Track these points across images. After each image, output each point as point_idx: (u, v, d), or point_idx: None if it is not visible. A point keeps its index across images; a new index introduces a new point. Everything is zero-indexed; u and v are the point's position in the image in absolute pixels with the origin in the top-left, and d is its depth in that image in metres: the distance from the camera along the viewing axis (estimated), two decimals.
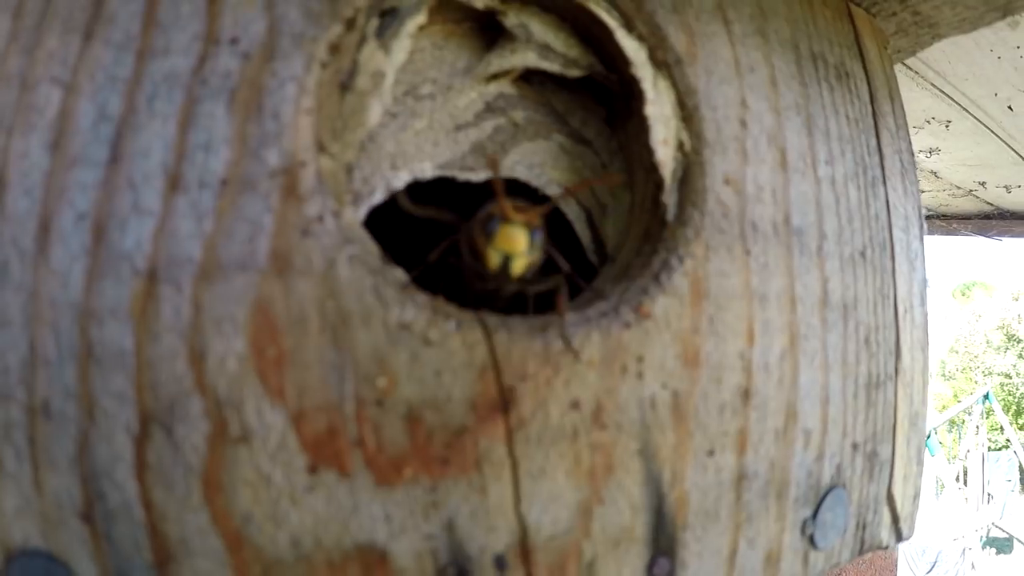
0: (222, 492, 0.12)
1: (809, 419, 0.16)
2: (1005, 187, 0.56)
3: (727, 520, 0.15)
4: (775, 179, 0.17)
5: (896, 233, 0.19)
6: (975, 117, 0.37)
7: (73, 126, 0.13)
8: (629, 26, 0.16)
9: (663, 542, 0.14)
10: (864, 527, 0.18)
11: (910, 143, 0.21)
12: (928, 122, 0.39)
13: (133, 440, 0.12)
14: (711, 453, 0.15)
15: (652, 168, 0.16)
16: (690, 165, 0.16)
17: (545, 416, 0.13)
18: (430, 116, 0.16)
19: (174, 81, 0.13)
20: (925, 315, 0.20)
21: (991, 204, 0.57)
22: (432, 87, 0.16)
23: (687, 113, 0.16)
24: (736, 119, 0.17)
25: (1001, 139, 0.44)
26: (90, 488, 0.12)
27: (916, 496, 0.19)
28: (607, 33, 0.16)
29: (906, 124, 0.21)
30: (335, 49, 0.14)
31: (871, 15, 0.22)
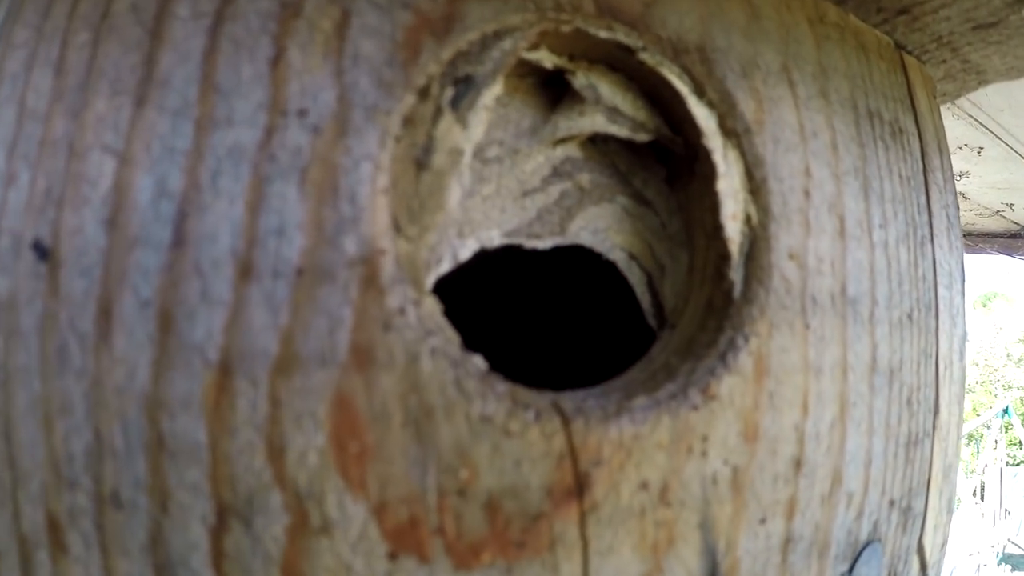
0: None
1: (853, 482, 0.16)
2: None
3: None
4: (834, 249, 0.16)
5: (941, 291, 0.19)
6: (1007, 144, 0.36)
7: (131, 202, 0.11)
8: (700, 92, 0.15)
9: None
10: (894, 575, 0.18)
11: (955, 195, 0.20)
12: (960, 148, 0.38)
13: (209, 531, 0.11)
14: (763, 521, 0.14)
15: (714, 234, 0.15)
16: (756, 240, 0.15)
17: (616, 498, 0.12)
18: (497, 181, 0.15)
19: (240, 156, 0.11)
20: (963, 369, 0.20)
21: (1018, 224, 0.56)
22: (499, 149, 0.15)
23: (755, 185, 0.15)
24: (801, 189, 0.16)
25: None
26: (164, 575, 0.11)
27: (944, 544, 0.19)
28: (677, 98, 0.15)
29: (952, 175, 0.20)
30: (409, 122, 0.12)
31: (921, 62, 0.20)
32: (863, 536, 0.17)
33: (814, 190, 0.16)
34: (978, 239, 0.59)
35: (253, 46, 0.12)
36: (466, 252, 0.14)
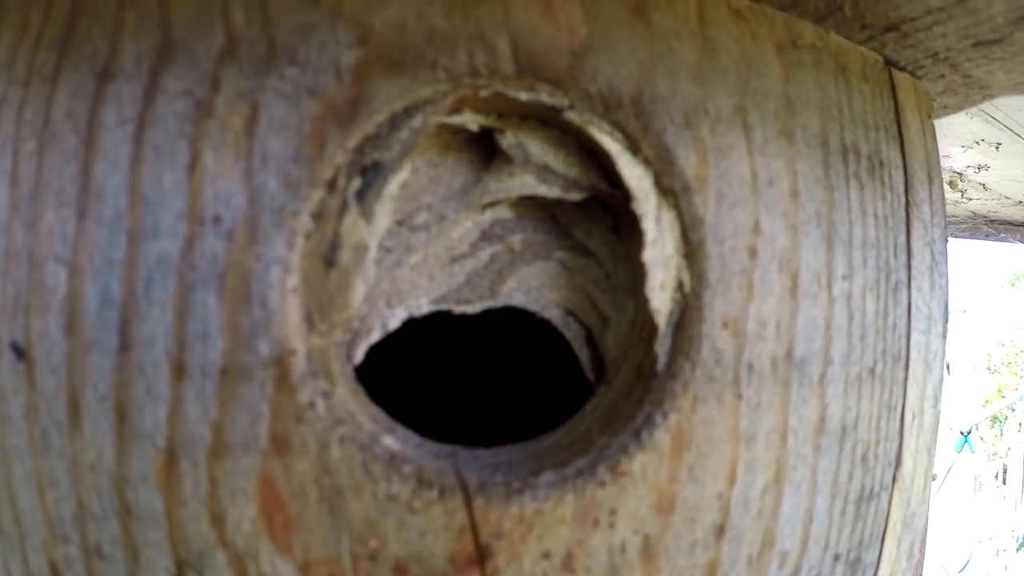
0: None
1: (788, 542, 0.17)
2: None
3: None
4: (781, 310, 0.16)
5: (915, 337, 0.18)
6: None
7: (83, 309, 0.13)
8: (634, 149, 0.15)
9: None
10: None
11: (944, 228, 0.18)
12: (978, 143, 0.34)
13: None
14: None
15: (643, 304, 0.15)
16: (687, 308, 0.15)
17: (518, 566, 0.14)
18: (425, 249, 0.16)
19: (166, 266, 0.13)
20: (937, 415, 0.19)
21: None
22: (427, 215, 0.16)
23: (690, 249, 0.15)
24: (745, 248, 0.15)
25: None
26: None
27: None
28: (605, 156, 0.15)
29: (943, 206, 0.18)
30: (318, 217, 0.13)
31: (916, 78, 0.18)
32: None
33: (762, 248, 0.15)
34: (1000, 227, 0.52)
35: (172, 152, 0.13)
36: (395, 322, 0.16)
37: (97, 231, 0.13)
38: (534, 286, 0.16)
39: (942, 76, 0.17)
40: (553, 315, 0.16)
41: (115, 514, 0.13)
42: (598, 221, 0.16)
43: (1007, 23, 0.14)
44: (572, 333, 0.16)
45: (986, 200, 0.49)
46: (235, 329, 0.12)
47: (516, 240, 0.16)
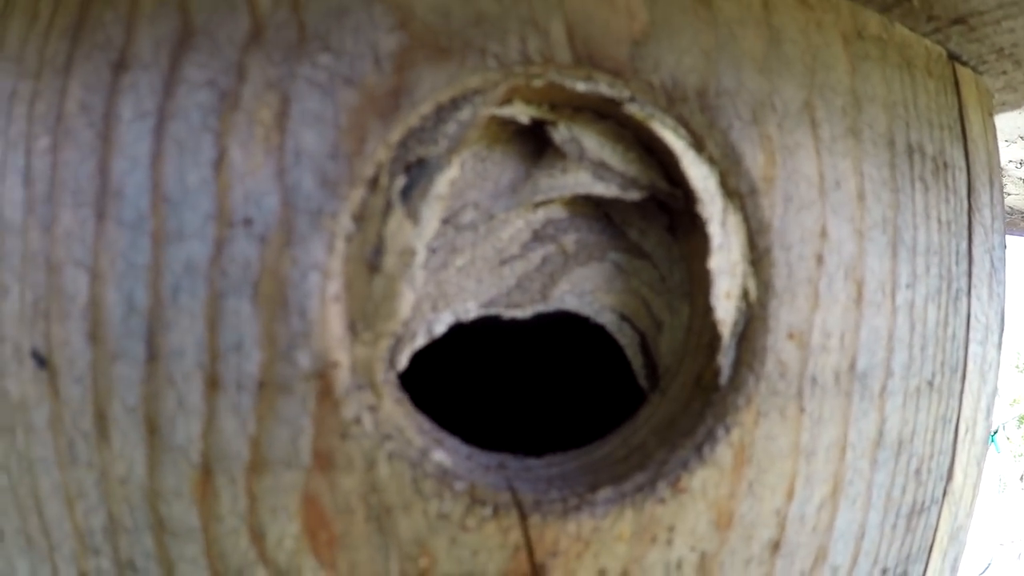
0: None
1: (839, 557, 0.17)
2: None
3: None
4: (846, 321, 0.15)
5: (972, 348, 0.18)
6: None
7: (106, 317, 0.13)
8: (699, 147, 0.14)
9: None
10: None
11: (1004, 233, 0.18)
12: (1020, 138, 0.33)
13: None
14: None
15: (706, 313, 0.15)
16: (753, 319, 0.15)
17: None
18: (472, 250, 0.15)
19: (195, 272, 0.12)
20: (988, 427, 0.19)
21: None
22: (474, 213, 0.15)
23: (757, 256, 0.14)
24: (812, 256, 0.15)
25: None
26: None
27: None
28: (671, 154, 0.14)
29: (1003, 210, 0.18)
30: (360, 218, 0.13)
31: (977, 73, 0.18)
32: None
33: (829, 255, 0.15)
34: None
35: (196, 147, 0.13)
36: (441, 327, 0.15)
37: (118, 233, 0.12)
38: (587, 289, 0.16)
39: (1004, 72, 0.17)
40: (607, 320, 0.16)
41: (148, 528, 0.13)
42: (654, 221, 0.16)
43: None
44: (626, 339, 0.16)
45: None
46: (272, 340, 0.12)
47: (569, 241, 0.15)
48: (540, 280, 0.15)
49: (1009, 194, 0.50)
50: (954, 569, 0.18)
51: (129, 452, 0.12)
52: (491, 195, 0.14)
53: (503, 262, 0.14)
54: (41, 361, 0.12)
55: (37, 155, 0.12)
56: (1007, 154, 0.39)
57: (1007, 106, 0.19)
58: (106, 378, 0.12)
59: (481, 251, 0.14)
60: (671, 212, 0.15)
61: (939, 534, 0.17)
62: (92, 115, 0.12)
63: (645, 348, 0.16)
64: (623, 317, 0.15)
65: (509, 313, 0.15)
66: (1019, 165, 0.39)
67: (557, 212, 0.15)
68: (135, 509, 0.12)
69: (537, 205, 0.14)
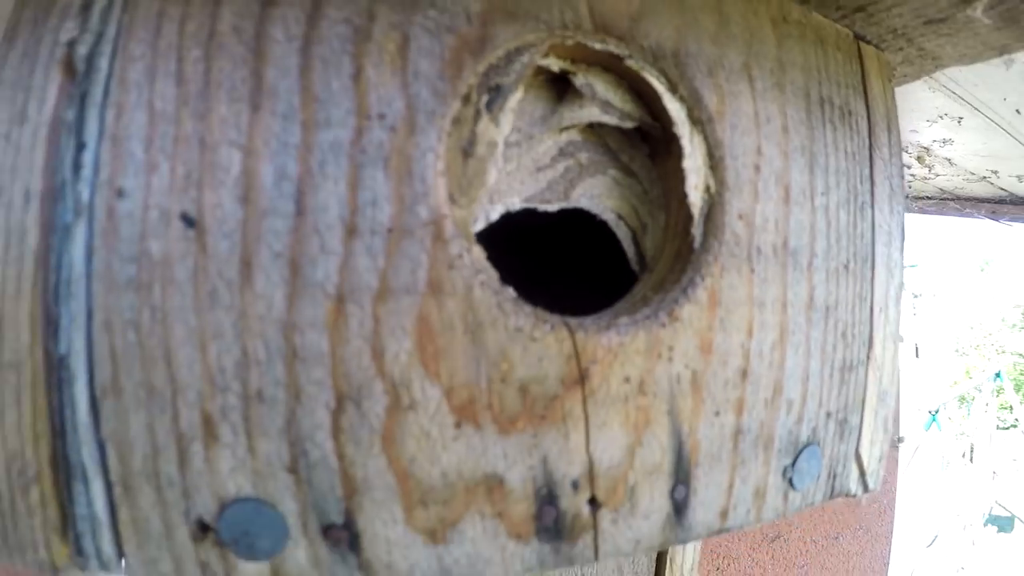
0: (395, 444, 0.19)
1: (792, 392, 0.25)
2: (1017, 177, 0.63)
3: (726, 462, 0.24)
4: (778, 212, 0.24)
5: (878, 248, 0.27)
6: (986, 116, 0.44)
7: (258, 183, 0.19)
8: (673, 90, 0.23)
9: (682, 475, 0.23)
10: (835, 477, 0.27)
11: (901, 167, 0.29)
12: (941, 117, 0.46)
13: (331, 413, 0.19)
14: (717, 414, 0.23)
15: (681, 200, 0.23)
16: (713, 204, 0.23)
17: (607, 387, 0.21)
18: (518, 160, 0.23)
19: (339, 150, 0.19)
20: (899, 313, 0.29)
21: (1005, 190, 0.64)
22: (518, 136, 0.23)
23: (714, 163, 0.23)
24: (752, 165, 0.24)
25: (1012, 135, 0.50)
26: (296, 449, 0.19)
27: (882, 457, 0.28)
28: (655, 94, 0.23)
29: (899, 150, 0.29)
30: (456, 121, 0.20)
31: (880, 50, 0.29)
32: (803, 438, 0.26)
33: (764, 165, 0.24)
34: (967, 203, 0.67)
35: (338, 64, 0.19)
36: (495, 214, 0.22)
37: (272, 121, 0.19)
38: (595, 194, 0.23)
39: (900, 49, 0.28)
40: (609, 218, 0.24)
41: (280, 357, 0.18)
42: (639, 149, 0.25)
43: (949, 5, 0.25)
44: (622, 233, 0.24)
45: (952, 176, 0.63)
46: (400, 198, 0.19)
47: (583, 157, 0.23)
48: (563, 184, 0.23)
49: (937, 175, 0.63)
50: (886, 429, 0.27)
51: (270, 292, 0.18)
52: (529, 122, 0.22)
53: (538, 170, 0.22)
54: (190, 222, 0.18)
55: (189, 63, 0.19)
56: (931, 133, 0.51)
57: (908, 77, 0.31)
58: (255, 231, 0.18)
59: (523, 161, 0.22)
60: (651, 143, 0.24)
61: (868, 392, 0.26)
62: (243, 35, 0.19)
63: (636, 242, 0.24)
64: (619, 217, 0.24)
65: (543, 207, 0.22)
66: (943, 144, 0.52)
67: (575, 136, 0.23)
68: (270, 342, 0.18)
69: (562, 130, 0.22)
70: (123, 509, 0.19)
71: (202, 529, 0.20)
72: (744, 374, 0.24)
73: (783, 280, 0.25)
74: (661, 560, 0.38)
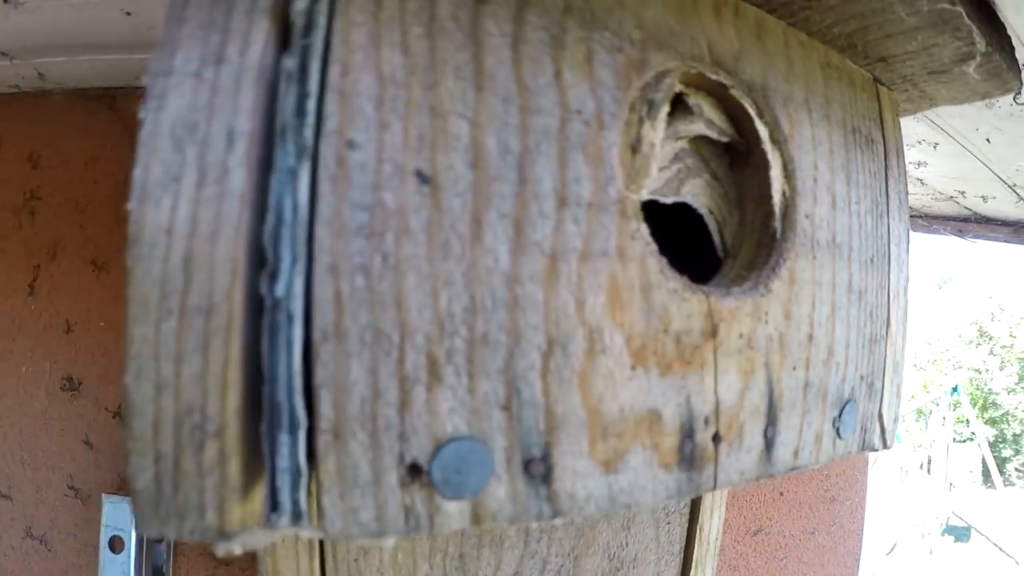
0: (588, 383, 0.24)
1: (839, 356, 0.33)
2: (982, 197, 0.77)
3: (799, 409, 0.31)
4: (829, 214, 0.32)
5: (892, 247, 0.37)
6: (960, 143, 0.57)
7: (486, 153, 0.23)
8: (760, 115, 0.31)
9: (771, 417, 0.29)
10: (864, 431, 0.35)
11: (906, 184, 0.39)
12: (919, 143, 0.59)
13: (542, 355, 0.23)
14: (794, 368, 0.30)
15: (763, 203, 0.31)
16: (788, 206, 0.31)
17: (729, 341, 0.27)
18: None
19: (549, 135, 0.24)
20: (907, 300, 0.38)
21: (969, 209, 0.80)
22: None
23: (788, 173, 0.31)
24: (811, 177, 0.32)
25: (980, 160, 0.64)
26: (511, 388, 0.23)
27: (896, 419, 0.37)
28: (747, 117, 0.30)
29: (905, 172, 0.39)
30: (627, 124, 0.26)
31: (890, 90, 0.39)
32: (846, 394, 0.34)
33: (819, 178, 0.32)
34: (933, 221, 0.83)
35: (541, 63, 0.25)
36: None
37: (494, 101, 0.24)
38: (695, 192, 0.30)
39: (906, 90, 0.38)
40: (703, 212, 0.31)
41: (504, 305, 0.23)
42: (722, 160, 0.32)
43: (950, 62, 0.35)
44: (712, 225, 0.31)
45: (922, 195, 0.76)
46: (596, 179, 0.24)
47: (689, 162, 0.30)
48: (676, 183, 0.29)
49: (909, 194, 0.75)
50: (898, 395, 0.36)
51: (497, 247, 0.23)
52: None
53: (660, 170, 0.28)
54: (424, 179, 0.22)
55: (413, 38, 0.24)
56: (909, 156, 0.63)
57: (907, 112, 0.42)
58: (484, 194, 0.23)
59: (655, 166, 0.28)
60: (732, 156, 0.31)
61: (887, 362, 0.34)
62: (461, 23, 0.24)
63: (720, 233, 0.31)
64: (710, 212, 0.30)
65: (662, 200, 0.28)
66: (917, 166, 0.64)
67: (684, 145, 0.30)
68: (495, 292, 0.23)
69: (676, 139, 0.29)
70: (328, 458, 0.20)
71: (412, 472, 0.21)
72: (810, 338, 0.31)
73: (833, 267, 0.33)
74: (692, 529, 0.44)
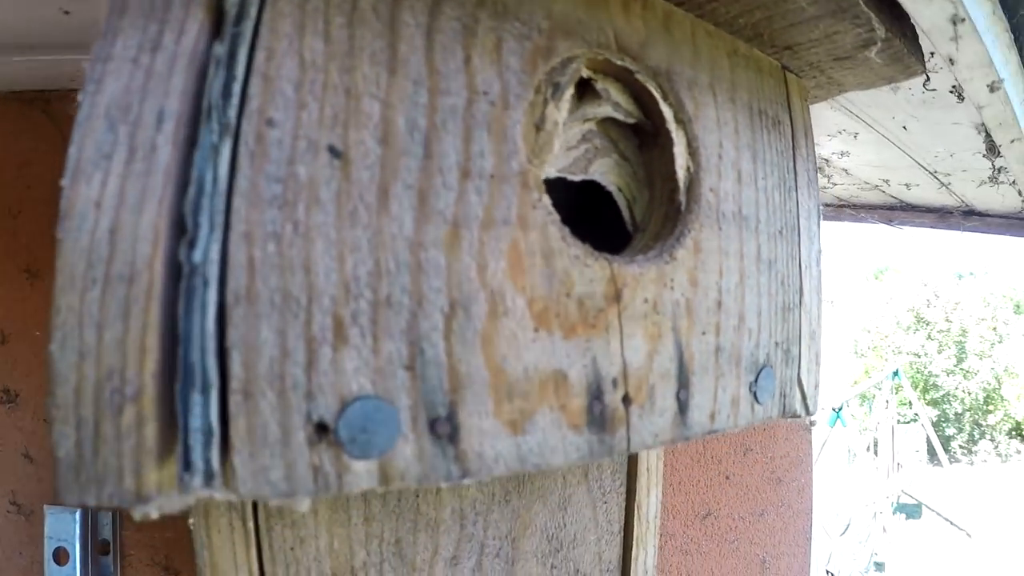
0: (491, 344, 0.26)
1: (751, 323, 0.36)
2: (906, 185, 0.81)
3: (712, 373, 0.33)
4: (734, 188, 0.35)
5: (801, 221, 0.40)
6: (878, 132, 0.61)
7: (395, 130, 0.25)
8: (665, 97, 0.33)
9: (683, 380, 0.32)
10: (784, 396, 0.38)
11: (815, 163, 0.42)
12: (840, 132, 0.62)
13: (444, 317, 0.26)
14: (704, 333, 0.33)
15: (669, 179, 0.34)
16: (692, 180, 0.34)
17: (634, 305, 0.30)
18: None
19: (456, 114, 0.26)
20: (820, 271, 0.41)
21: (895, 198, 0.84)
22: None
23: (692, 150, 0.34)
24: (716, 154, 0.35)
25: (901, 148, 0.67)
26: (414, 348, 0.25)
27: (816, 386, 0.40)
28: (652, 99, 0.33)
29: (814, 152, 0.42)
30: (532, 105, 0.28)
31: (799, 77, 0.42)
32: (760, 360, 0.36)
33: (723, 155, 0.35)
34: (861, 209, 0.87)
35: (452, 50, 0.27)
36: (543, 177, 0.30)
37: (405, 84, 0.26)
38: (604, 171, 0.33)
39: (814, 77, 0.41)
40: (612, 190, 0.33)
41: (407, 269, 0.25)
42: (631, 141, 0.35)
43: (853, 48, 0.38)
44: (622, 202, 0.34)
45: (848, 185, 0.80)
46: (499, 153, 0.27)
47: (597, 143, 0.33)
48: (584, 162, 0.32)
49: (835, 184, 0.79)
50: (817, 363, 0.39)
51: (402, 215, 0.25)
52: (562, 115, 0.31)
53: (568, 149, 0.31)
54: (336, 153, 0.24)
55: (335, 27, 0.26)
56: (830, 147, 0.67)
57: (818, 98, 0.46)
58: (392, 167, 0.25)
59: (559, 143, 0.30)
60: (640, 136, 0.34)
61: (803, 329, 0.37)
62: (380, 14, 0.27)
63: (630, 209, 0.33)
64: (619, 189, 0.33)
65: (570, 178, 0.31)
66: (840, 156, 0.68)
67: (592, 127, 0.33)
68: (399, 256, 0.25)
69: (584, 121, 0.32)
70: (239, 418, 0.21)
71: (320, 431, 0.23)
72: (719, 304, 0.34)
73: (740, 237, 0.36)
74: (630, 508, 0.47)
